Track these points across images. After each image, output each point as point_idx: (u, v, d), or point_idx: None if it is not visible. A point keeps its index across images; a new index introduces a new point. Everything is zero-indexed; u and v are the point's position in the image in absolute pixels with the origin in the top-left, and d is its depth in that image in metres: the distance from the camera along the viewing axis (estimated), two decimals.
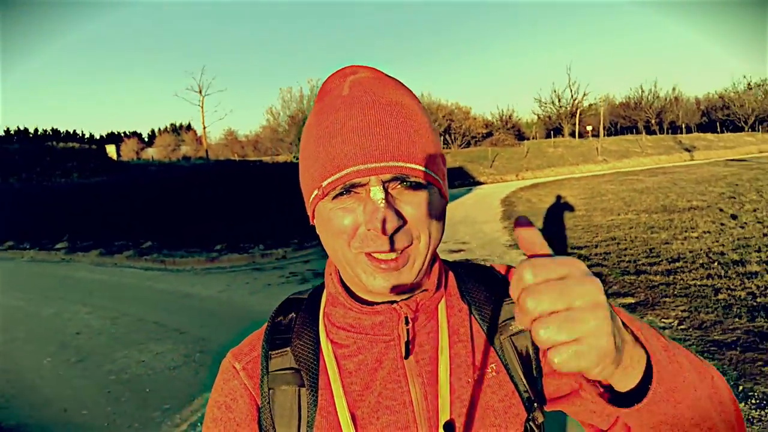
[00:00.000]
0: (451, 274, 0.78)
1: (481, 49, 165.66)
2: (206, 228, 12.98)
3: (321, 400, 0.67)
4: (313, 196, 0.64)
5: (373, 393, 0.67)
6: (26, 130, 56.19)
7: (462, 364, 0.69)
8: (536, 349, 0.72)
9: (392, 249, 0.60)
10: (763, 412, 3.31)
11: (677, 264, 6.94)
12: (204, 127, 49.33)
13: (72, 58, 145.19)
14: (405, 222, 0.61)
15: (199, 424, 3.92)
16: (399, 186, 0.61)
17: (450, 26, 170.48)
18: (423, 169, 0.61)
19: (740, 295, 5.43)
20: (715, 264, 6.69)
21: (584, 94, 50.15)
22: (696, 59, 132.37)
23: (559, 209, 14.29)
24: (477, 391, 0.69)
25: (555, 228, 11.21)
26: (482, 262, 0.84)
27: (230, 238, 12.15)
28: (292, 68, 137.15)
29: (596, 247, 8.59)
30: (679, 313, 5.15)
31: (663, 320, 5.03)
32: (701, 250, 7.57)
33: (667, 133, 52.99)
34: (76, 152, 36.18)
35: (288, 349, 0.71)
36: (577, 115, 49.52)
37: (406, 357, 0.68)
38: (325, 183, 0.60)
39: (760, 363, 3.93)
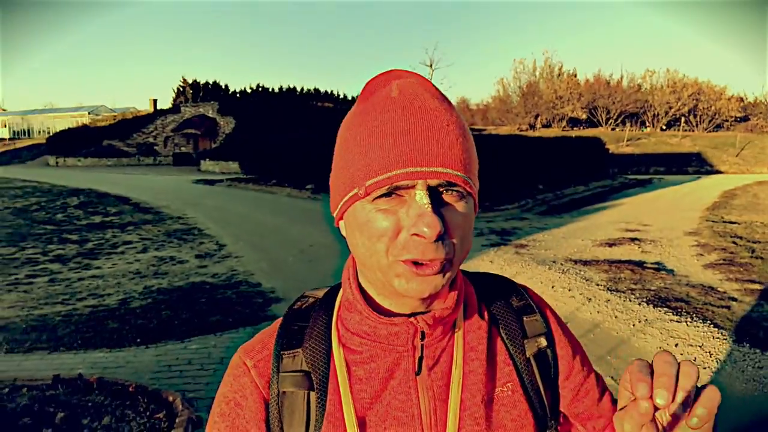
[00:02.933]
0: (471, 288, 0.76)
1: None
2: None
3: (329, 405, 0.67)
4: (350, 195, 0.62)
5: (382, 402, 0.67)
6: (294, 88, 64.80)
7: (477, 382, 0.69)
8: (557, 368, 0.75)
9: (434, 257, 0.58)
10: None
11: None
12: None
13: (329, 25, 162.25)
14: (447, 229, 0.60)
15: None
16: (444, 193, 0.60)
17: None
18: (467, 178, 0.60)
19: None
20: None
21: None
22: None
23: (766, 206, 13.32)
24: (489, 409, 0.68)
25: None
26: (502, 275, 0.83)
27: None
28: (526, 40, 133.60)
29: None
30: None
31: None
32: None
33: None
34: (330, 111, 42.10)
35: (299, 350, 0.70)
36: None
37: (418, 373, 0.67)
38: (369, 182, 0.59)
39: None
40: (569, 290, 6.12)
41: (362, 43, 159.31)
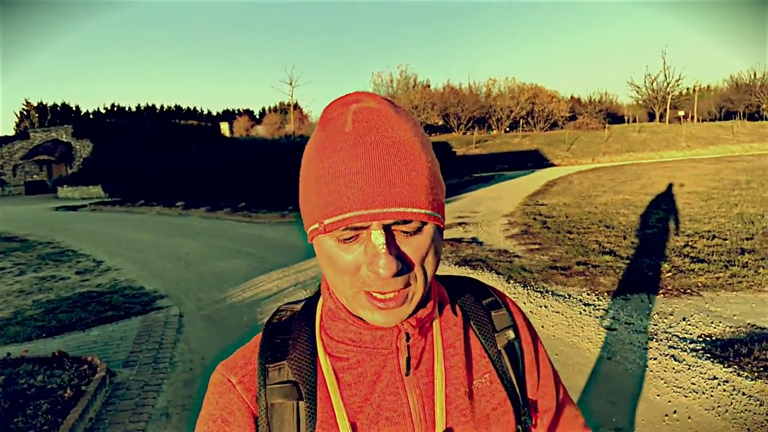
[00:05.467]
0: (442, 288, 0.80)
1: (577, 29, 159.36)
2: (283, 193, 16.53)
3: (320, 413, 0.68)
4: (312, 228, 0.63)
5: (372, 405, 0.69)
6: (154, 106, 62.57)
7: (458, 376, 0.72)
8: (522, 361, 0.79)
9: (393, 290, 0.61)
10: None
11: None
12: (299, 109, 53.86)
13: (193, 41, 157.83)
14: (406, 264, 0.61)
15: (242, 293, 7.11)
16: (400, 229, 0.61)
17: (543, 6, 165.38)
18: (424, 212, 0.60)
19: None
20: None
21: (677, 80, 48.70)
22: None
23: (573, 191, 16.41)
24: (471, 400, 0.72)
25: (543, 200, 13.52)
26: (469, 276, 0.88)
27: (297, 202, 15.77)
28: (383, 54, 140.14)
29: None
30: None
31: None
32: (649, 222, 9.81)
33: None
34: (195, 129, 41.93)
35: (284, 362, 0.71)
36: (668, 101, 48.54)
37: (407, 373, 0.69)
38: (326, 221, 0.60)
39: None
40: None
41: (224, 60, 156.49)
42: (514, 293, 5.96)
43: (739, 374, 3.71)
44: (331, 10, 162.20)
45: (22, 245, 12.88)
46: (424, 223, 0.62)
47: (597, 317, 5.05)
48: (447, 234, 10.07)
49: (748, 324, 4.61)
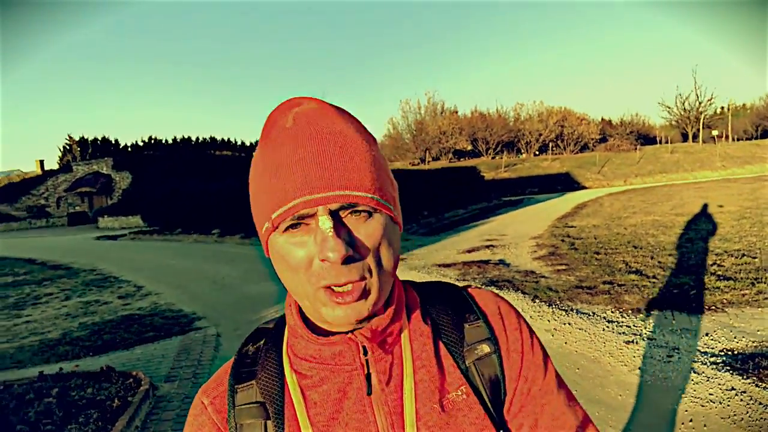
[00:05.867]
0: (415, 295, 0.77)
1: (606, 50, 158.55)
2: None
3: None
4: (264, 228, 0.63)
5: (340, 424, 0.67)
6: (189, 138, 64.25)
7: (427, 389, 0.69)
8: (503, 373, 0.73)
9: (348, 280, 0.60)
10: None
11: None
12: None
13: (226, 74, 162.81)
14: (357, 250, 0.61)
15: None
16: (349, 215, 0.61)
17: (573, 28, 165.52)
18: (370, 196, 0.61)
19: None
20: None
21: (709, 99, 47.97)
22: None
23: (603, 213, 16.36)
24: (446, 415, 0.69)
25: (576, 223, 13.54)
26: (456, 283, 0.83)
27: None
28: (410, 81, 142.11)
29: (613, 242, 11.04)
30: None
31: None
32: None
33: None
34: (228, 159, 43.08)
35: (253, 382, 0.72)
36: (701, 120, 47.83)
37: (369, 392, 0.67)
38: (274, 215, 0.60)
39: None
40: None
41: (257, 88, 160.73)
42: (540, 312, 6.09)
43: (757, 385, 3.78)
44: (360, 40, 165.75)
45: (67, 272, 13.51)
46: (374, 211, 0.63)
47: (620, 333, 5.14)
48: (474, 256, 10.23)
49: None
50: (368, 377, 0.68)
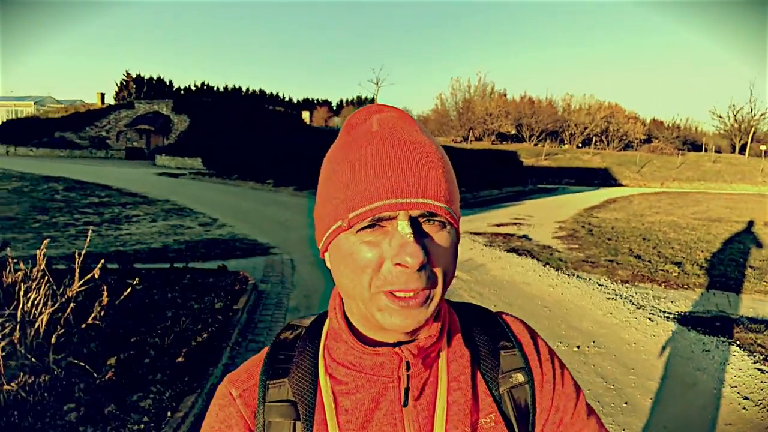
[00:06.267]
0: (455, 317, 0.77)
1: (663, 51, 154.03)
2: None
3: None
4: (334, 227, 0.63)
5: None
6: (240, 88, 65.67)
7: (459, 412, 0.69)
8: (534, 404, 0.74)
9: (417, 287, 0.59)
10: None
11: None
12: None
13: (281, 32, 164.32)
14: (430, 259, 0.61)
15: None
16: (425, 222, 0.61)
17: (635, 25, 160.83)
18: (447, 207, 0.62)
19: None
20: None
21: (762, 113, 47.42)
22: None
23: (629, 209, 17.59)
24: None
25: (596, 217, 14.88)
26: (489, 308, 0.85)
27: None
28: (465, 57, 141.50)
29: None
30: None
31: None
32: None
33: None
34: (280, 115, 45.02)
35: (285, 379, 0.71)
36: (751, 133, 47.45)
37: (405, 404, 0.67)
38: (352, 214, 0.60)
39: None
40: (460, 246, 9.63)
41: (311, 53, 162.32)
42: (548, 273, 7.65)
43: (689, 331, 5.32)
44: (414, 12, 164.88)
45: (144, 200, 15.51)
46: (447, 224, 0.63)
47: (604, 293, 6.70)
48: (502, 230, 11.77)
49: (722, 311, 6.15)
50: (407, 391, 0.67)
